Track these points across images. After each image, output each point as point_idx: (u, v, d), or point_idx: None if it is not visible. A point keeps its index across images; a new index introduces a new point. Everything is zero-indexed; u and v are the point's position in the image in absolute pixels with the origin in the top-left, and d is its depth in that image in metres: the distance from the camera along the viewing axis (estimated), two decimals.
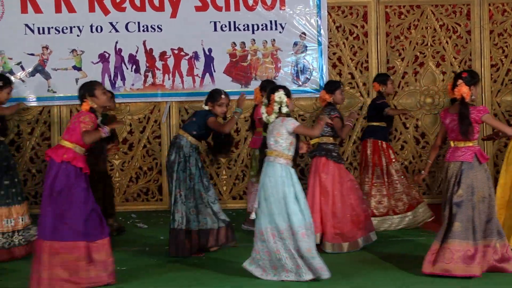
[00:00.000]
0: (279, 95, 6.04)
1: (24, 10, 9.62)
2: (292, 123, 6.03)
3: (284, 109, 6.05)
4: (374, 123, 8.42)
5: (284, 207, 5.97)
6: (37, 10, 9.65)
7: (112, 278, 5.96)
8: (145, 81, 9.81)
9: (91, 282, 5.88)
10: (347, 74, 10.04)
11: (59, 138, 9.09)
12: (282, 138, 6.00)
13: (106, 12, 9.72)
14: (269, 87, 7.92)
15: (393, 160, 8.26)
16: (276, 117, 6.08)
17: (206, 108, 7.21)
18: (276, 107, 6.06)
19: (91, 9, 9.70)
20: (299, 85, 9.86)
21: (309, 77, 9.90)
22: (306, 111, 9.91)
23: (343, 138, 6.88)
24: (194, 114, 7.44)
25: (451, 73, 9.77)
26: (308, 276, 5.90)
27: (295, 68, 9.94)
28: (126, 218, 8.95)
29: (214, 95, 7.33)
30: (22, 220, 7.23)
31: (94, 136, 5.90)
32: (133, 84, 9.77)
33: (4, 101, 7.35)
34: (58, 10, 9.68)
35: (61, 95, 9.72)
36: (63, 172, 5.90)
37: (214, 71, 9.87)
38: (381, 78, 8.50)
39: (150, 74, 9.83)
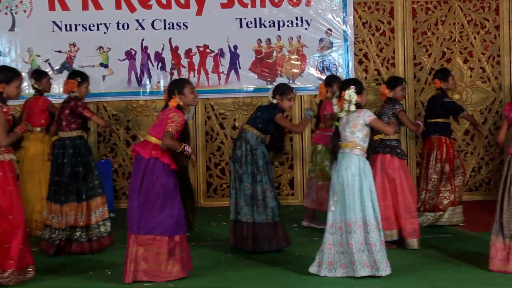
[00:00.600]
0: (349, 94, 6.04)
1: (51, 7, 9.68)
2: (369, 116, 6.04)
3: (352, 108, 6.04)
4: (439, 120, 8.31)
5: (359, 199, 6.00)
6: (65, 7, 9.70)
7: (185, 273, 6.07)
8: (171, 79, 9.69)
9: (171, 276, 5.98)
10: (373, 71, 10.04)
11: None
12: (358, 129, 6.00)
13: (132, 9, 9.75)
14: (334, 82, 8.10)
15: (455, 157, 8.25)
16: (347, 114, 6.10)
17: (274, 101, 7.18)
18: (345, 105, 6.07)
19: (118, 6, 9.75)
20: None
21: (335, 74, 9.72)
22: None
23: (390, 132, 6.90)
24: (258, 109, 7.41)
25: (479, 69, 9.76)
26: (364, 272, 5.92)
27: (321, 65, 9.95)
28: None
29: (284, 89, 7.30)
30: (94, 215, 7.29)
31: (173, 146, 5.94)
32: (159, 82, 9.84)
33: (83, 96, 7.40)
34: (85, 7, 9.74)
35: (89, 92, 9.84)
36: (152, 168, 5.99)
37: (240, 68, 9.91)
38: (442, 74, 8.39)
39: (175, 72, 9.88)
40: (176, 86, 6.19)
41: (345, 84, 6.32)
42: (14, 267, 5.90)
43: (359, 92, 6.18)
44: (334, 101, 6.26)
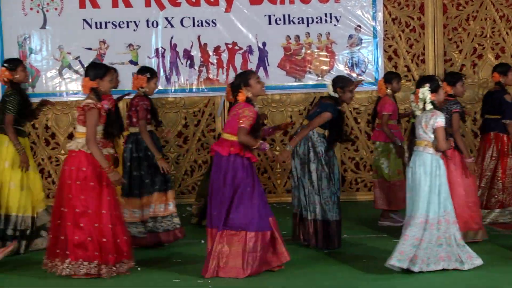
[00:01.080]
0: (423, 92, 6.03)
1: (82, 5, 9.77)
2: (438, 122, 5.99)
3: (428, 106, 6.03)
4: (498, 116, 8.19)
5: (427, 196, 6.02)
6: (95, 5, 9.79)
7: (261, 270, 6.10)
8: (199, 76, 9.90)
9: (253, 271, 6.03)
10: (403, 67, 10.03)
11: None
12: (429, 131, 6.00)
13: (161, 7, 9.83)
14: (393, 78, 8.20)
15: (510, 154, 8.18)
16: (422, 112, 6.09)
17: (335, 95, 7.18)
18: (420, 103, 6.08)
19: (147, 4, 9.82)
20: (355, 78, 9.68)
21: (364, 70, 9.92)
22: (362, 104, 9.91)
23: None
24: (318, 105, 7.37)
25: None
26: (441, 265, 5.98)
27: (350, 61, 9.96)
28: (181, 211, 9.06)
29: (345, 81, 7.30)
30: (164, 207, 7.38)
31: (248, 142, 6.02)
32: (187, 79, 9.90)
33: (152, 92, 7.51)
34: (115, 5, 9.82)
35: (118, 89, 9.90)
36: (232, 164, 6.08)
37: (268, 65, 9.93)
38: (503, 69, 8.25)
39: (204, 69, 9.94)
40: (241, 79, 6.21)
41: (420, 81, 6.30)
42: (113, 260, 6.02)
43: (434, 90, 6.14)
44: (412, 97, 6.25)
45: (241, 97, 6.10)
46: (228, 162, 6.06)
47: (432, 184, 6.04)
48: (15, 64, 7.39)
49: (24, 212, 7.25)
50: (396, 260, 5.97)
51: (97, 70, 6.21)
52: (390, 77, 8.37)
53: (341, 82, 7.25)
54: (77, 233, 5.94)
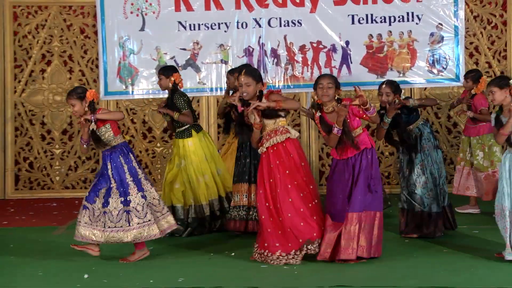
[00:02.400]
0: None
1: (177, 8, 10.16)
2: None
3: None
4: None
5: None
6: (189, 8, 10.17)
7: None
8: (285, 73, 10.15)
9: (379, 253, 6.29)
10: (484, 64, 10.11)
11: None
12: None
13: (250, 8, 10.14)
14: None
15: None
16: None
17: None
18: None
19: (237, 6, 10.13)
20: (435, 75, 9.97)
21: (445, 67, 9.97)
22: (442, 100, 9.98)
23: None
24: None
25: None
26: None
27: (431, 58, 10.03)
28: None
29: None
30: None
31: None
32: (274, 76, 10.16)
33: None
34: (207, 8, 10.15)
35: (210, 87, 10.28)
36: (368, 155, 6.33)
37: (351, 63, 10.08)
38: None
39: (290, 67, 10.14)
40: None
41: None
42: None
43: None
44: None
45: None
46: (372, 154, 6.42)
47: None
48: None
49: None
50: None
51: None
52: (478, 75, 8.53)
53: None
54: None
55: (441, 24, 10.05)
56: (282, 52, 10.23)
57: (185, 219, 7.67)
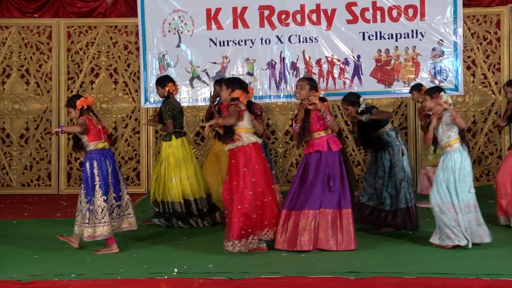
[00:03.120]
0: None
1: (209, 27, 10.18)
2: None
3: None
4: None
5: None
6: (219, 27, 10.18)
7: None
8: None
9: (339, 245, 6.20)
10: (480, 75, 10.05)
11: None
12: None
13: (273, 27, 10.13)
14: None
15: None
16: None
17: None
18: None
19: (261, 25, 10.12)
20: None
21: (445, 78, 9.91)
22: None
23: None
24: None
25: None
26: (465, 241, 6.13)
27: (433, 70, 9.97)
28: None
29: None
30: None
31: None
32: (294, 87, 9.64)
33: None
34: (235, 26, 10.17)
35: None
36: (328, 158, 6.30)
37: (362, 74, 10.03)
38: None
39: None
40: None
41: None
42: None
43: None
44: None
45: None
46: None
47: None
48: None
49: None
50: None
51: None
52: (421, 86, 8.44)
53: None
54: None
55: (442, 40, 10.01)
56: (301, 65, 10.21)
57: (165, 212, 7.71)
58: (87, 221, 6.37)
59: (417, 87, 8.64)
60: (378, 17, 10.06)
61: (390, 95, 10.20)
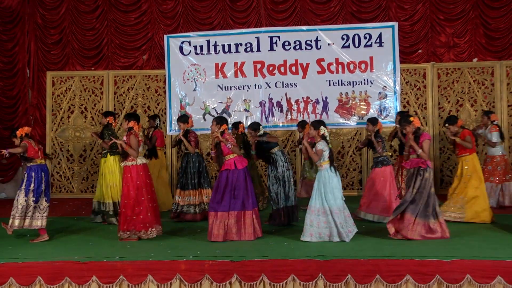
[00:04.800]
0: None
1: (217, 77, 10.13)
2: None
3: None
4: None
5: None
6: (224, 76, 10.12)
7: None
8: (286, 117, 10.02)
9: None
10: (412, 112, 9.99)
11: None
12: None
13: (263, 76, 10.08)
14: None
15: None
16: None
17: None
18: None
19: (255, 74, 10.08)
20: (382, 119, 9.81)
21: (388, 114, 9.88)
22: (386, 135, 9.54)
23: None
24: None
25: (481, 111, 9.38)
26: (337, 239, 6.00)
27: (379, 108, 9.94)
28: None
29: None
30: (197, 198, 7.48)
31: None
32: (279, 119, 10.06)
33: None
34: (236, 76, 10.11)
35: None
36: (234, 174, 6.22)
37: (328, 110, 9.97)
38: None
39: (289, 113, 10.03)
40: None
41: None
42: (145, 229, 6.27)
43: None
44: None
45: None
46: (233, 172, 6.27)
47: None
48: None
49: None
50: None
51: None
52: (305, 123, 8.16)
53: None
54: None
55: (385, 87, 9.99)
56: (284, 104, 10.13)
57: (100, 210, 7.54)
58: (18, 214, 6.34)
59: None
60: (340, 70, 10.03)
61: (349, 126, 10.09)
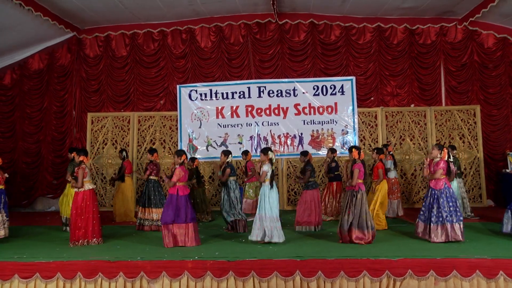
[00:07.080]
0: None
1: (217, 117, 10.03)
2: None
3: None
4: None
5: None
6: (223, 117, 10.01)
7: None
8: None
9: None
10: (367, 145, 9.98)
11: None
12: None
13: (253, 116, 10.01)
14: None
15: None
16: None
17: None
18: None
19: (247, 115, 9.99)
20: (344, 150, 9.75)
21: (349, 146, 9.69)
22: (342, 162, 9.58)
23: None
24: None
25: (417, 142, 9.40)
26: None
27: (342, 142, 9.88)
28: None
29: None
30: (153, 215, 7.32)
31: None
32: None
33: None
34: (232, 116, 10.00)
35: (234, 155, 9.81)
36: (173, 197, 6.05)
37: (303, 143, 9.90)
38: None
39: (273, 146, 9.93)
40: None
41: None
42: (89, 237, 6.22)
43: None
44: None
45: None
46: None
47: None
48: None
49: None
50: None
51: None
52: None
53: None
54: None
55: (346, 126, 9.96)
56: (269, 138, 10.05)
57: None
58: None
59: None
60: (312, 112, 10.00)
61: (319, 155, 9.97)
